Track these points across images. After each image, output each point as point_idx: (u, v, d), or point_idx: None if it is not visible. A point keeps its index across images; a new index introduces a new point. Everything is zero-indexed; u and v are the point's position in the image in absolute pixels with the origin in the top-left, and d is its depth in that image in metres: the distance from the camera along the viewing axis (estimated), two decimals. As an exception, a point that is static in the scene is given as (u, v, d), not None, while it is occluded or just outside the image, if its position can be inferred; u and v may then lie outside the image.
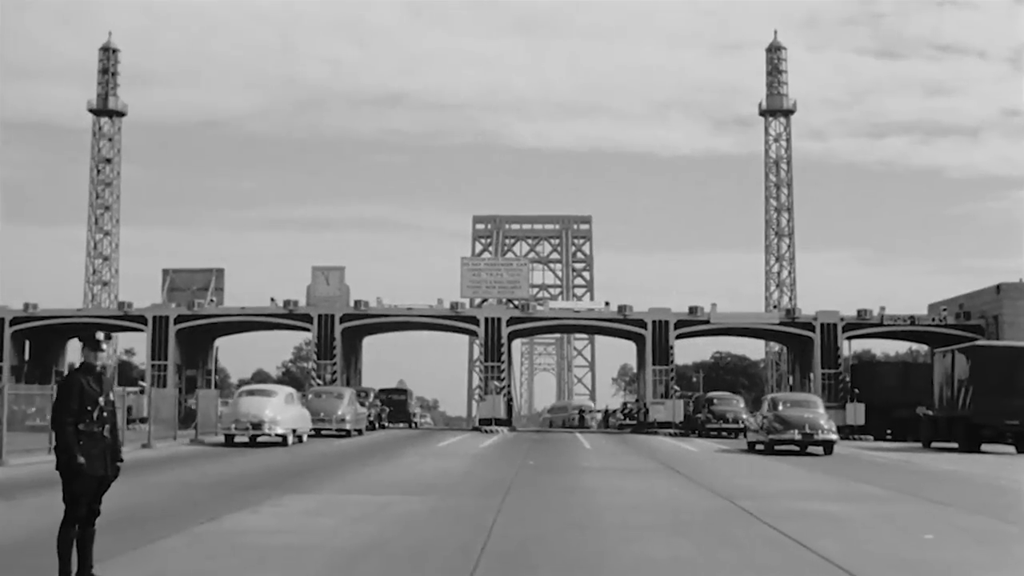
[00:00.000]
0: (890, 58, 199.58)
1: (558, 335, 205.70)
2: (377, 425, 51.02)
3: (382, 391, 52.12)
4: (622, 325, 53.56)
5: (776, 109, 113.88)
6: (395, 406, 52.44)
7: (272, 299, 53.72)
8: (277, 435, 32.34)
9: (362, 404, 47.90)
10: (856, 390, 50.38)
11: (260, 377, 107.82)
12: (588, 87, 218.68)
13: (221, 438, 33.31)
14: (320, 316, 53.33)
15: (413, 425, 56.86)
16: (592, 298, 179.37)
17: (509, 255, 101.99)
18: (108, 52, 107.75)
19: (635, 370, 78.39)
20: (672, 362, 53.30)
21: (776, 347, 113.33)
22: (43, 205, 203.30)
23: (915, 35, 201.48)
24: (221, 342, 61.91)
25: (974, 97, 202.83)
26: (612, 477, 22.42)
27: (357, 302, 53.27)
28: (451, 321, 53.92)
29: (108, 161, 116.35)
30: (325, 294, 53.79)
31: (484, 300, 54.66)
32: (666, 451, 33.16)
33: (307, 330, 54.01)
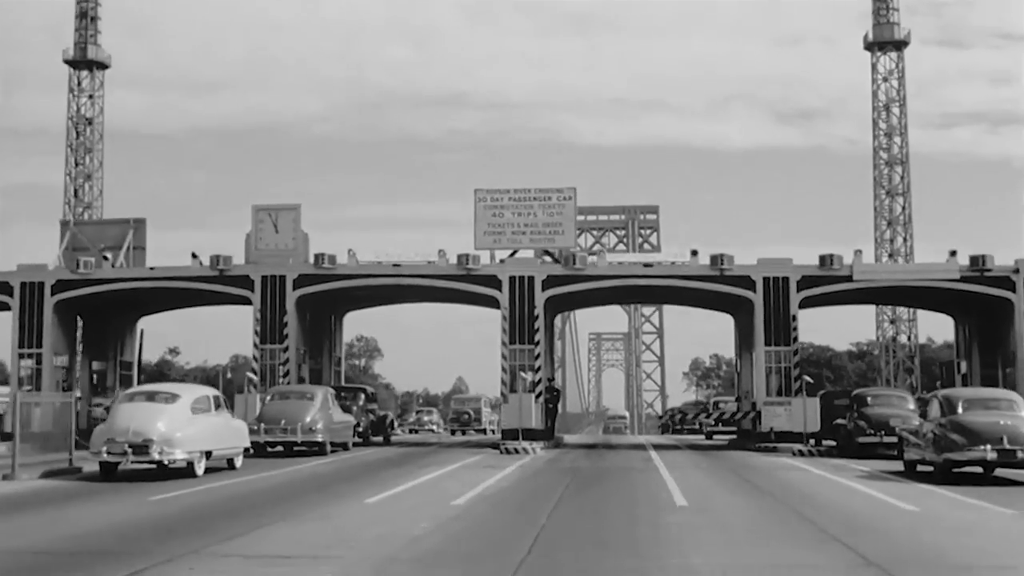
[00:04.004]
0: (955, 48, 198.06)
1: (624, 331, 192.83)
2: (369, 437, 39.37)
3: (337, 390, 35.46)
4: (717, 285, 36.00)
5: (885, 41, 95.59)
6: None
7: (194, 255, 36.61)
8: (171, 461, 22.90)
9: (346, 409, 36.28)
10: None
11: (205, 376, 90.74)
12: (645, 83, 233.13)
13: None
14: (264, 279, 36.32)
15: (389, 439, 40.08)
16: None
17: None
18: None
19: (731, 357, 61.66)
20: (796, 340, 35.52)
21: (888, 326, 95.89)
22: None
23: (979, 24, 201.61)
24: (169, 324, 45.25)
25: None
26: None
27: (319, 256, 35.95)
28: (459, 284, 36.51)
29: (89, 122, 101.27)
30: (272, 246, 36.49)
31: (514, 252, 37.24)
32: (865, 516, 18.39)
33: (249, 301, 36.73)
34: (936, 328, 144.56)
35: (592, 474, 24.45)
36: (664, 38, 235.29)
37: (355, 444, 35.58)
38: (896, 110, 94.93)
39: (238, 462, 26.18)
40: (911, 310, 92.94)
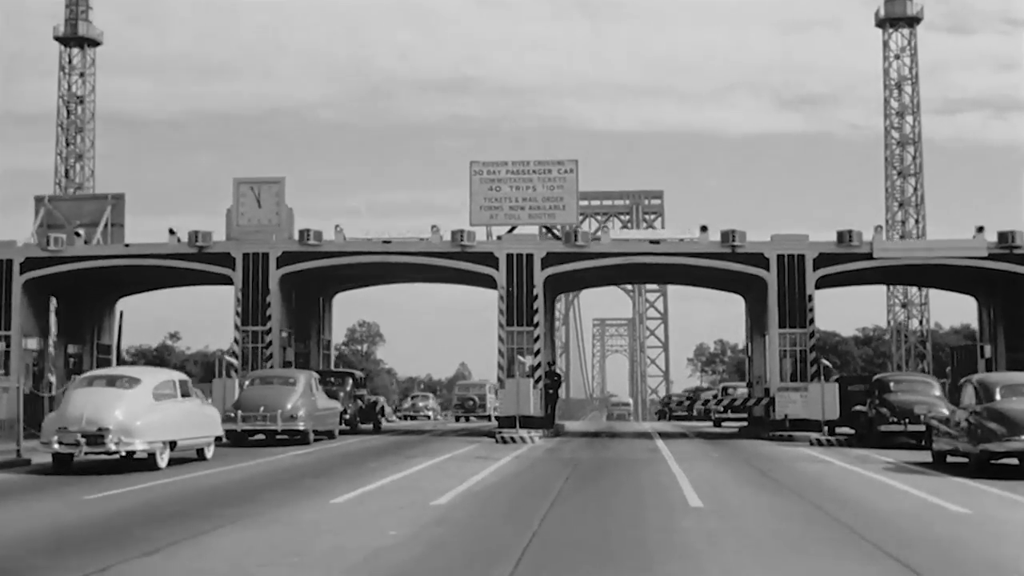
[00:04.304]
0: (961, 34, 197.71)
1: (628, 317, 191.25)
2: (357, 425, 37.13)
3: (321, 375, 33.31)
4: (728, 263, 33.64)
5: (897, 17, 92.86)
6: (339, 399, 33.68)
7: (172, 231, 34.31)
8: (129, 452, 20.66)
9: (333, 395, 34.04)
10: None
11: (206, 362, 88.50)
12: (651, 69, 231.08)
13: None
14: (246, 256, 34.03)
15: (379, 427, 37.86)
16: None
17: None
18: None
19: (736, 342, 59.58)
20: (812, 322, 33.26)
21: (900, 310, 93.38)
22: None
23: (985, 10, 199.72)
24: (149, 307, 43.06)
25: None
26: None
27: (304, 233, 33.69)
28: (453, 262, 34.20)
29: (80, 100, 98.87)
30: (254, 221, 34.23)
31: (512, 229, 35.00)
32: (910, 519, 16.07)
33: (230, 280, 34.54)
34: (945, 313, 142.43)
35: (594, 467, 22.20)
36: (671, 24, 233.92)
37: (342, 432, 33.39)
38: (908, 88, 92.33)
39: (209, 452, 24.07)
40: (923, 294, 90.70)
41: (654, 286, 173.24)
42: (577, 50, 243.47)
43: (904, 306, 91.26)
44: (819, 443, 30.03)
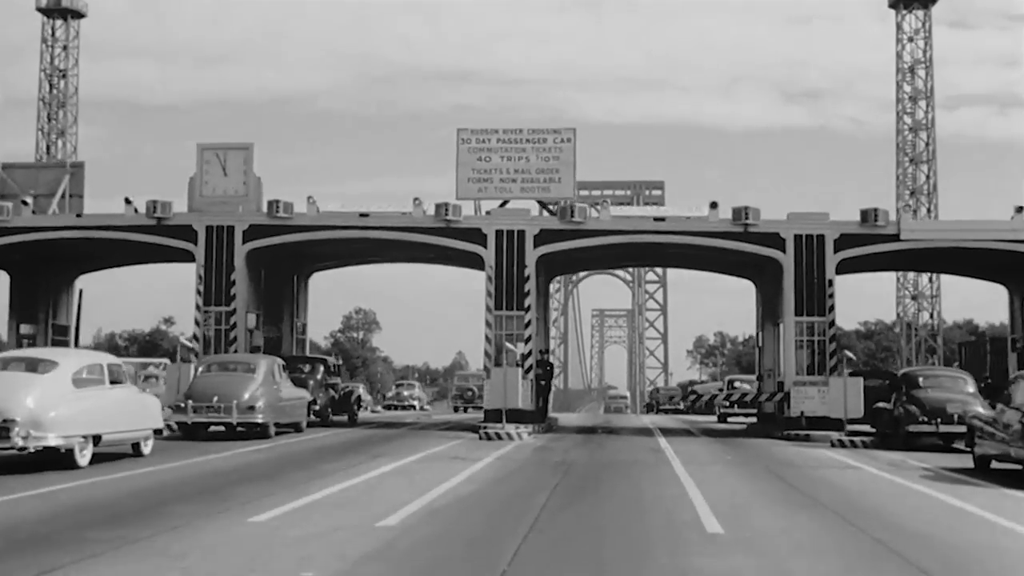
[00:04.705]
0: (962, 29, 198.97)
1: (627, 308, 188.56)
2: (328, 417, 33.71)
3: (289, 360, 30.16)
4: (739, 244, 30.37)
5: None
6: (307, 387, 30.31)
7: (128, 200, 31.05)
8: (41, 447, 17.50)
9: (301, 384, 30.91)
10: None
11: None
12: (655, 62, 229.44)
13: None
14: (209, 229, 30.77)
15: (354, 419, 34.72)
16: (664, 269, 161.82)
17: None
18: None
19: (736, 335, 56.31)
20: (832, 309, 30.06)
21: (910, 303, 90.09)
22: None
23: (986, 6, 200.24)
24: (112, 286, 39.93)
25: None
26: None
27: (273, 204, 30.45)
28: (438, 238, 30.94)
29: (63, 74, 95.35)
30: (219, 191, 30.99)
31: (504, 202, 31.82)
32: (1004, 560, 12.56)
33: (192, 256, 31.34)
34: (952, 307, 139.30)
35: (587, 472, 18.90)
36: (674, 17, 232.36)
37: (312, 424, 30.12)
38: (922, 72, 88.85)
39: (146, 448, 20.83)
40: (933, 286, 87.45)
41: (654, 277, 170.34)
42: (580, 42, 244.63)
43: (914, 298, 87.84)
44: (841, 444, 26.74)
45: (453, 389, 61.11)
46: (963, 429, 26.70)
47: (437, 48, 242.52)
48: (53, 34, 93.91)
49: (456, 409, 55.72)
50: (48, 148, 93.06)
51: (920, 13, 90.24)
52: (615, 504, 14.45)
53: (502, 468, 19.32)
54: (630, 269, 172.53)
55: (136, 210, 33.06)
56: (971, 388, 28.49)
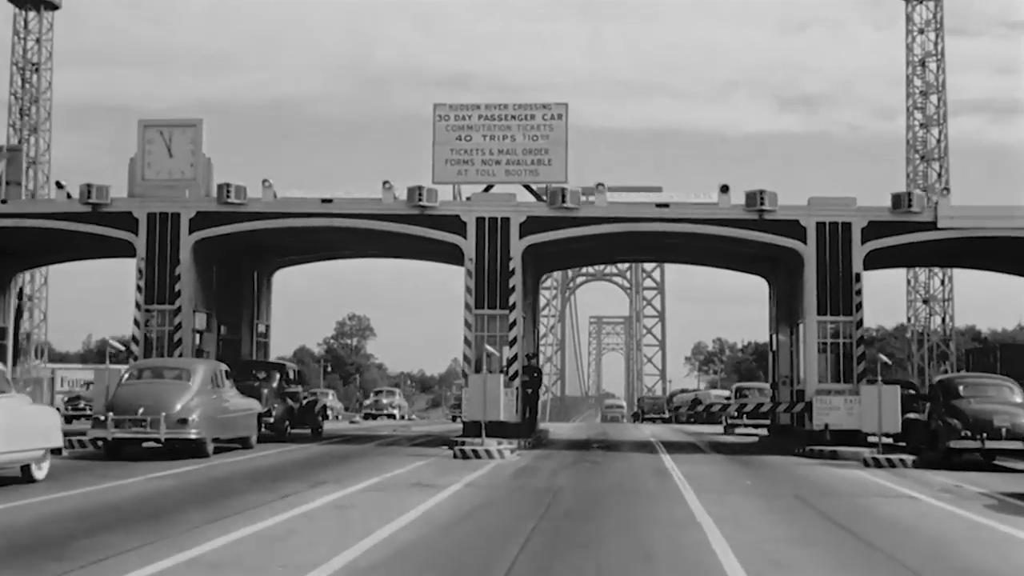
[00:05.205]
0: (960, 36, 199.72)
1: (625, 315, 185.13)
2: (286, 431, 29.85)
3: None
4: (753, 233, 26.54)
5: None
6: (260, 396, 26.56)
7: (60, 184, 27.36)
8: None
9: (254, 393, 27.48)
10: None
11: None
12: (649, 68, 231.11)
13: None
14: (151, 217, 26.98)
15: (318, 432, 30.91)
16: (662, 275, 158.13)
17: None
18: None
19: (734, 341, 52.46)
20: (860, 308, 26.27)
21: (921, 307, 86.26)
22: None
23: (984, 12, 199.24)
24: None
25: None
26: None
27: (223, 188, 26.63)
28: (411, 227, 27.13)
29: (36, 68, 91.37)
30: (163, 174, 27.23)
31: (488, 187, 28.08)
32: None
33: (132, 248, 27.56)
34: (955, 312, 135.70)
35: (577, 508, 14.96)
36: (669, 23, 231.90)
37: (265, 439, 26.30)
38: (933, 65, 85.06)
39: (39, 471, 17.11)
40: (946, 290, 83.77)
41: (652, 283, 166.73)
42: (575, 47, 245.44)
43: (926, 302, 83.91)
44: (876, 463, 22.92)
45: (451, 398, 58.19)
46: (1014, 445, 23.21)
47: (432, 53, 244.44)
48: (25, 25, 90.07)
49: (454, 419, 52.87)
50: (20, 141, 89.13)
51: (931, 4, 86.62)
52: (611, 558, 10.58)
53: (469, 500, 15.42)
54: (628, 275, 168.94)
55: (69, 195, 29.23)
56: (1019, 398, 24.84)
